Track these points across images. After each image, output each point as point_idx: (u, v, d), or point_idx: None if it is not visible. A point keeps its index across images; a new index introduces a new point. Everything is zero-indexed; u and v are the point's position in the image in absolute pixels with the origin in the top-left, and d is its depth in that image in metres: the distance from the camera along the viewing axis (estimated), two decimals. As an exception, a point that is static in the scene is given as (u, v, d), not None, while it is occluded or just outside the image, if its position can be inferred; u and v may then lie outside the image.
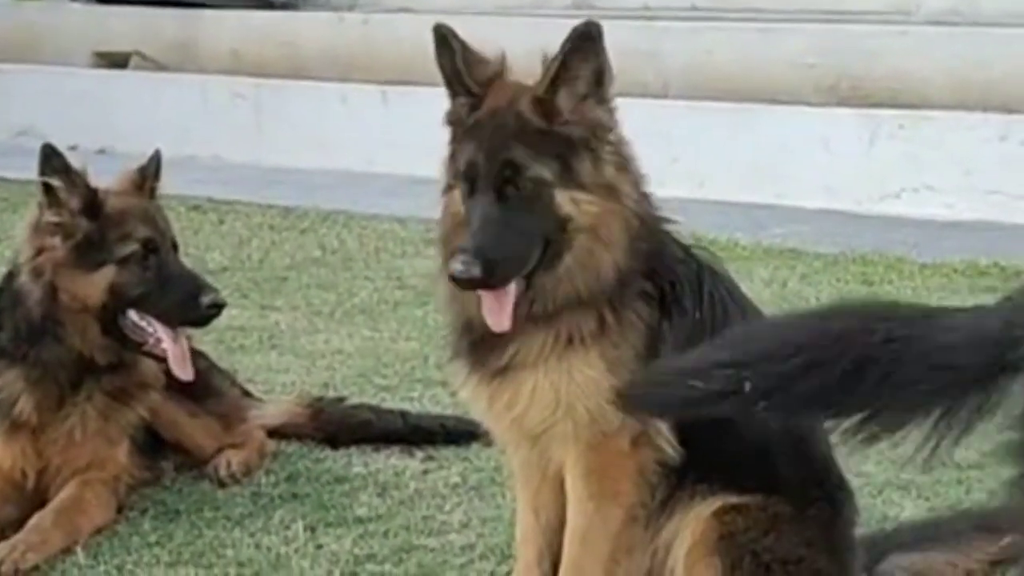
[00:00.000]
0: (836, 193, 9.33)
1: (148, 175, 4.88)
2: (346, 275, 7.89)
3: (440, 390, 5.91)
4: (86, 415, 4.67)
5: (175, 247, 4.82)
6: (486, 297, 3.63)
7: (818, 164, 9.48)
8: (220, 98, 11.84)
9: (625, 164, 3.71)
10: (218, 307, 4.70)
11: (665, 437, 3.74)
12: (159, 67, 12.59)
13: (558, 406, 3.73)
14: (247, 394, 5.37)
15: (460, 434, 5.28)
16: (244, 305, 7.32)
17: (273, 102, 11.65)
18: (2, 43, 13.44)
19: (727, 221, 8.72)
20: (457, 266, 3.55)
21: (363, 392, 5.90)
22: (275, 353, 6.52)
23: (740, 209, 9.24)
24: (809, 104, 9.96)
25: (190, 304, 4.67)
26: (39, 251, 4.66)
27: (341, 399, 5.56)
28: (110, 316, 4.64)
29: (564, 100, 3.63)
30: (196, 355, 5.19)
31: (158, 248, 4.70)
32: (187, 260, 7.84)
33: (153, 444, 4.90)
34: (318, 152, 11.10)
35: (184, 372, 4.68)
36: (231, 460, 4.97)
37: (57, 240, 4.65)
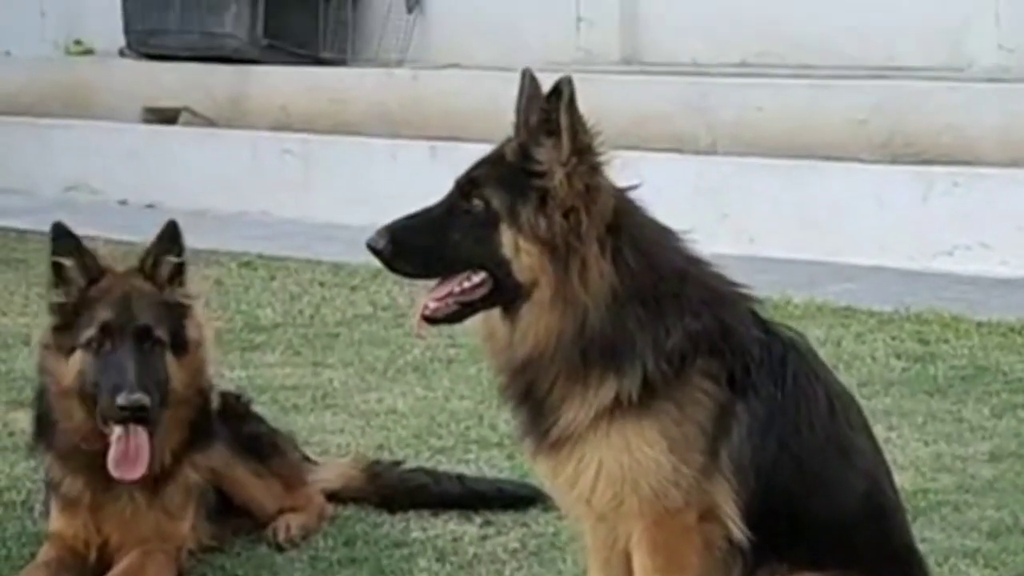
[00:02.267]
0: (889, 250, 9.28)
1: (149, 253, 4.66)
2: (397, 332, 7.86)
3: (496, 452, 5.89)
4: (135, 493, 4.60)
5: (144, 333, 4.51)
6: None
7: (871, 221, 9.43)
8: (269, 154, 11.87)
9: (577, 233, 3.63)
10: (130, 409, 4.39)
11: (730, 513, 3.71)
12: (208, 123, 12.63)
13: (622, 484, 3.71)
14: (306, 458, 5.35)
15: (519, 498, 5.25)
16: (297, 363, 7.31)
17: (322, 158, 11.67)
18: (53, 98, 13.52)
19: (779, 278, 8.66)
20: (371, 235, 3.71)
21: (418, 454, 5.87)
22: (329, 413, 6.49)
23: (792, 266, 9.19)
24: (861, 161, 9.92)
25: (108, 400, 4.43)
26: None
27: (398, 462, 5.53)
28: (91, 402, 4.51)
29: (538, 150, 3.63)
30: (257, 420, 5.20)
31: (113, 334, 4.50)
32: (239, 318, 8.07)
33: (219, 504, 4.86)
34: (367, 208, 11.04)
35: (123, 472, 4.46)
36: (291, 524, 4.95)
37: (48, 320, 4.62)
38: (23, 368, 7.09)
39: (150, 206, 11.91)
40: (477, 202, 3.66)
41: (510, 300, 3.66)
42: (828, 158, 10.02)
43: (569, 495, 3.79)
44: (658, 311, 3.67)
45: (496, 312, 3.71)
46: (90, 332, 4.51)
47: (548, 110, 3.62)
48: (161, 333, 4.55)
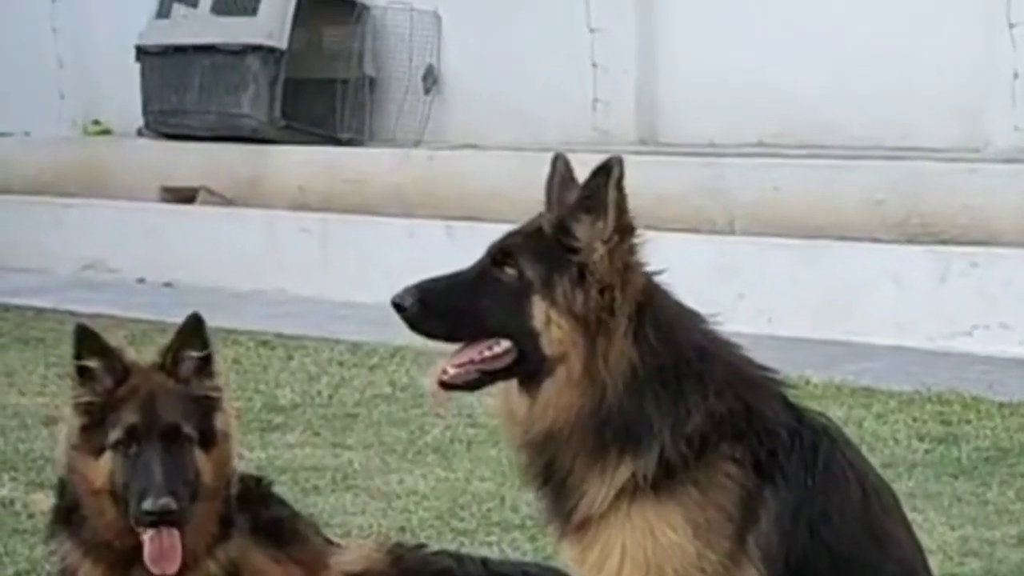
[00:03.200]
0: (908, 330, 9.27)
1: (170, 349, 4.58)
2: (417, 412, 7.85)
3: (519, 534, 5.86)
4: None
5: (172, 432, 4.46)
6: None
7: (889, 300, 9.43)
8: (287, 233, 11.91)
9: (611, 312, 3.62)
10: (158, 514, 4.34)
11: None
12: (226, 202, 12.68)
13: (647, 570, 3.66)
14: (328, 540, 5.30)
15: (543, 581, 5.20)
16: (316, 444, 7.30)
17: (339, 237, 11.70)
18: (71, 178, 13.59)
19: (797, 358, 8.62)
20: (397, 291, 3.69)
21: (440, 536, 5.84)
22: (350, 494, 6.47)
23: (810, 346, 9.18)
24: (878, 240, 9.93)
25: (136, 504, 4.38)
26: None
27: (421, 545, 5.46)
28: (122, 503, 4.47)
29: (577, 226, 3.62)
30: (278, 503, 5.15)
31: (140, 437, 4.45)
32: (258, 398, 8.06)
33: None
34: (384, 287, 11.03)
35: (161, 568, 4.41)
36: (314, 609, 4.90)
37: (76, 421, 4.56)
38: (42, 449, 7.09)
39: (167, 284, 11.94)
40: (510, 271, 3.63)
41: (531, 373, 3.63)
42: (845, 238, 10.02)
43: None
44: (678, 391, 3.64)
45: (514, 385, 3.68)
46: (117, 434, 4.48)
47: (593, 187, 3.62)
48: (189, 430, 4.52)
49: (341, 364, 9.02)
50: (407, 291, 3.69)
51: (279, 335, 9.79)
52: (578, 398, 3.62)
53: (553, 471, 3.71)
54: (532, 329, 3.61)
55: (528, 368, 3.63)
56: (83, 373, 4.55)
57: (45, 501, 6.21)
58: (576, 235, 3.63)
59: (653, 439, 3.62)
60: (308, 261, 11.66)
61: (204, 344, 4.60)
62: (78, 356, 4.55)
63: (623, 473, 3.64)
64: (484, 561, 5.32)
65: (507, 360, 3.64)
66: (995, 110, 10.68)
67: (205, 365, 4.60)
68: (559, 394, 3.63)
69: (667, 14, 12.10)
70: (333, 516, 6.07)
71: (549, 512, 3.78)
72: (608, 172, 3.61)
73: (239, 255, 11.83)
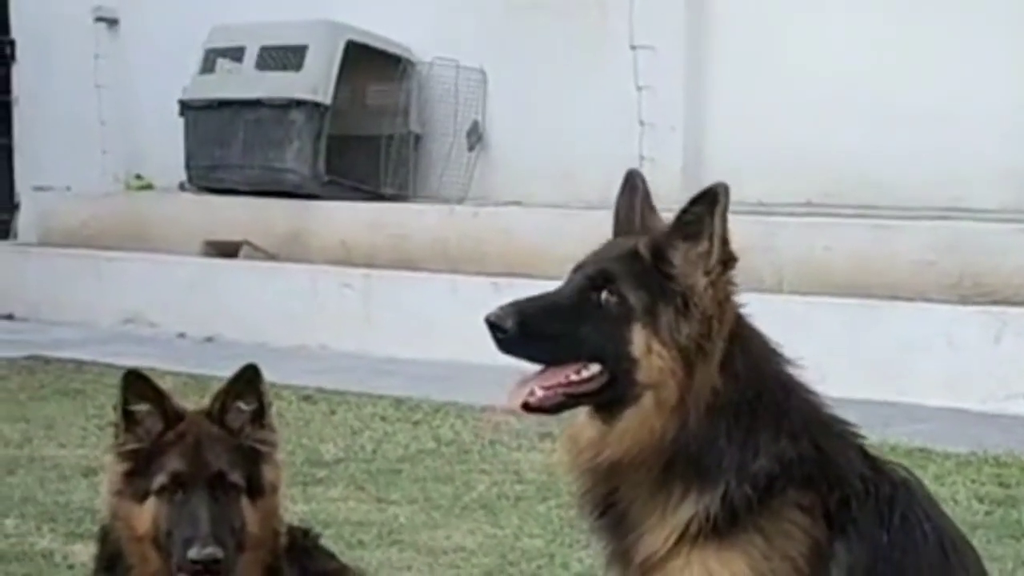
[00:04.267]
0: (961, 391, 9.10)
1: (218, 398, 4.47)
2: (462, 467, 7.72)
3: (570, 591, 5.72)
4: None
5: (218, 480, 4.35)
6: (522, 377, 3.56)
7: (942, 361, 9.26)
8: (329, 288, 11.82)
9: (711, 343, 3.52)
10: (203, 563, 4.22)
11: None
12: (269, 256, 12.60)
13: None
14: (376, 594, 5.18)
15: (595, 639, 5.05)
16: (360, 498, 7.16)
17: (382, 292, 11.60)
18: (114, 230, 13.55)
19: (850, 418, 8.45)
20: (496, 310, 3.51)
21: (490, 592, 5.70)
22: (395, 549, 6.33)
23: (862, 406, 8.86)
24: (930, 300, 9.77)
25: (181, 553, 4.27)
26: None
27: (471, 600, 5.36)
28: (167, 550, 4.34)
29: (675, 254, 3.53)
30: (326, 555, 5.03)
31: (186, 483, 4.34)
32: (300, 452, 7.93)
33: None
34: (427, 343, 11.01)
35: None
36: (361, 664, 4.76)
37: (120, 467, 4.44)
38: (81, 500, 7.01)
39: (209, 339, 11.86)
40: (610, 297, 3.51)
41: (616, 399, 3.52)
42: (896, 298, 9.88)
43: None
44: (752, 427, 3.51)
45: (583, 409, 3.57)
46: (163, 479, 4.36)
47: (696, 214, 3.52)
48: (236, 478, 4.40)
49: (384, 419, 8.90)
50: (505, 311, 3.51)
51: (321, 390, 9.68)
52: (660, 427, 3.50)
53: (613, 502, 3.57)
54: (630, 356, 3.49)
55: (615, 394, 3.51)
56: (129, 419, 4.44)
57: (85, 552, 6.12)
58: (674, 262, 3.52)
59: (720, 475, 3.49)
60: (351, 316, 11.57)
61: (258, 396, 4.49)
62: (125, 402, 4.44)
63: (685, 511, 3.50)
64: (536, 618, 5.19)
65: (595, 385, 3.51)
66: (1047, 171, 10.55)
67: (258, 416, 4.49)
68: (642, 422, 3.50)
69: (715, 72, 12.03)
70: (379, 571, 5.92)
71: (609, 553, 3.64)
72: (714, 200, 3.50)
73: (281, 310, 11.75)
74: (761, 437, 3.51)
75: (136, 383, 4.46)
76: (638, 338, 3.49)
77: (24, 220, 14.77)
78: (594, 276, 3.54)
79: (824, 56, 11.35)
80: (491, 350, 11.55)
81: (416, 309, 11.26)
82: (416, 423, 8.79)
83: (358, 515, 6.83)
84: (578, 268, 3.60)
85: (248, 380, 4.49)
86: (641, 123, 11.83)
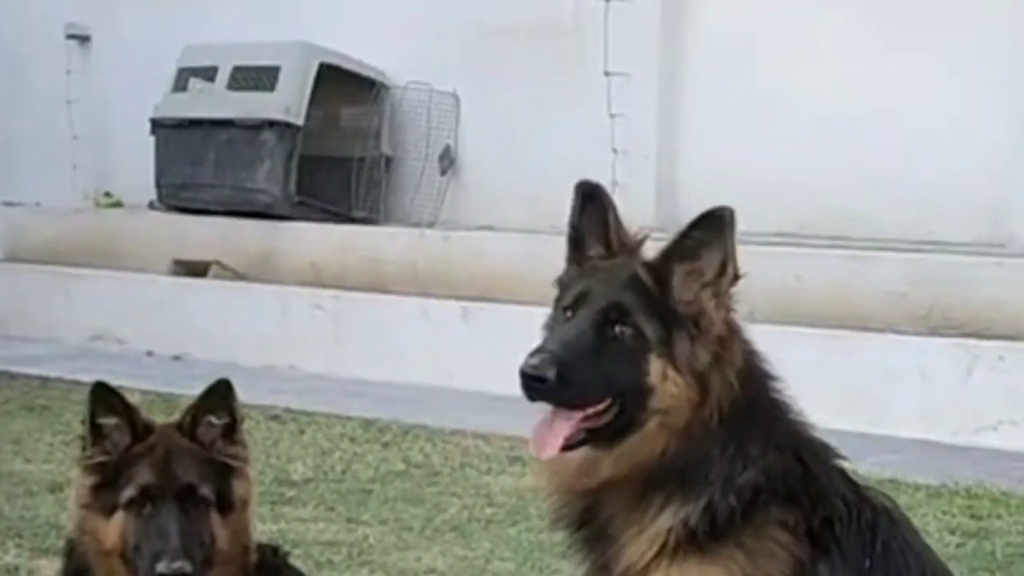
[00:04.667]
0: (932, 423, 9.10)
1: (189, 412, 4.39)
2: (432, 490, 7.68)
3: (542, 614, 5.67)
4: None
5: (187, 493, 4.28)
6: (543, 420, 3.48)
7: (913, 393, 9.26)
8: (299, 309, 11.76)
9: (725, 362, 3.53)
10: None
11: None
12: (238, 276, 12.54)
13: None
14: (348, 613, 5.12)
15: (568, 662, 5.00)
16: (330, 519, 7.11)
17: (352, 314, 11.55)
18: (83, 247, 13.46)
19: (821, 448, 8.46)
20: (533, 360, 3.42)
21: (461, 614, 5.66)
22: (366, 570, 6.28)
23: (833, 436, 8.88)
24: (901, 332, 9.77)
25: (149, 567, 4.18)
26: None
27: (443, 622, 5.30)
28: (134, 565, 4.27)
29: (678, 277, 3.53)
30: (296, 574, 4.98)
31: (154, 497, 4.26)
32: (269, 471, 7.87)
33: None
34: (397, 365, 10.96)
35: None
36: None
37: (88, 480, 4.37)
38: (47, 515, 6.95)
39: (177, 357, 11.79)
40: (625, 329, 3.49)
41: (622, 426, 3.48)
42: (867, 329, 9.87)
43: None
44: (742, 441, 3.50)
45: None
46: (131, 492, 4.29)
47: (699, 238, 3.53)
48: (206, 492, 4.34)
49: (353, 440, 8.84)
50: (543, 361, 3.42)
51: (289, 410, 9.62)
52: (662, 448, 3.48)
53: (592, 516, 3.54)
54: (646, 386, 3.47)
55: (623, 422, 3.48)
56: (97, 431, 4.38)
57: (50, 567, 6.06)
58: (677, 286, 3.52)
59: (706, 486, 3.47)
60: (320, 338, 11.51)
61: (229, 410, 4.44)
62: (93, 414, 4.39)
63: (664, 522, 3.47)
64: (508, 640, 5.14)
65: (609, 416, 3.49)
66: (1020, 205, 10.56)
67: (229, 431, 4.44)
68: (644, 444, 3.49)
69: (689, 100, 12.03)
70: (349, 591, 5.88)
71: (586, 566, 3.60)
72: (721, 223, 3.49)
73: (250, 330, 11.69)
74: (750, 450, 3.49)
75: (104, 396, 4.40)
76: (655, 368, 3.47)
77: (-8, 235, 14.67)
78: (608, 310, 3.51)
79: (799, 87, 11.36)
80: (460, 374, 11.53)
81: (386, 332, 11.21)
82: (386, 444, 8.74)
83: (328, 535, 6.77)
84: (581, 300, 3.54)
85: (220, 394, 4.44)
86: (614, 150, 11.82)
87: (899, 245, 10.63)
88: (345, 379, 10.92)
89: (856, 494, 3.61)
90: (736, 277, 3.56)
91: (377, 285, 11.82)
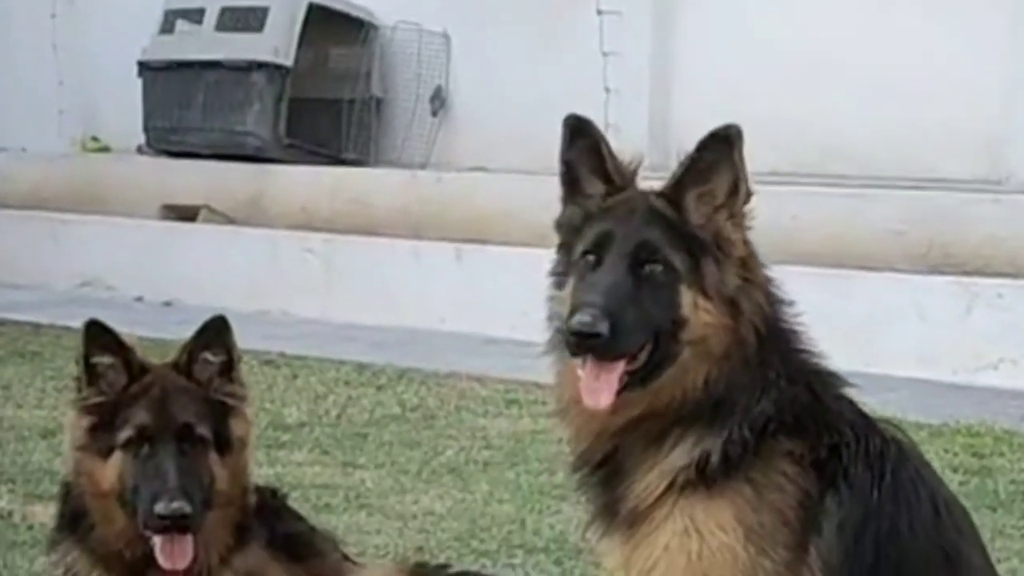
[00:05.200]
0: (931, 362, 9.01)
1: (185, 349, 4.33)
2: (429, 433, 7.60)
3: (543, 557, 5.61)
4: None
5: (185, 432, 4.21)
6: (589, 372, 3.38)
7: (912, 332, 9.17)
8: (290, 253, 11.66)
9: (751, 283, 3.46)
10: (170, 518, 4.07)
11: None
12: (228, 221, 12.42)
13: (693, 575, 3.39)
14: (347, 558, 5.03)
15: (572, 604, 4.94)
16: (326, 462, 7.04)
17: (343, 258, 11.45)
18: (69, 194, 13.33)
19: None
20: (584, 318, 3.32)
21: (461, 558, 5.57)
22: (364, 513, 6.20)
23: (831, 376, 8.91)
24: (899, 271, 9.69)
25: (148, 508, 4.11)
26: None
27: (444, 566, 5.21)
28: (132, 507, 4.20)
29: (692, 203, 3.45)
30: (294, 517, 4.90)
31: (152, 437, 4.19)
32: (264, 415, 7.78)
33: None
34: (389, 309, 10.86)
35: (169, 563, 4.14)
36: (332, 628, 4.63)
37: (84, 421, 4.29)
38: (40, 461, 6.90)
39: (167, 303, 11.68)
40: (655, 267, 3.40)
41: (659, 363, 3.40)
42: (865, 268, 9.78)
43: None
44: (759, 371, 3.42)
45: (578, 372, 3.43)
46: (128, 433, 4.21)
47: (710, 159, 3.44)
48: (203, 431, 4.25)
49: (348, 384, 8.76)
50: (594, 316, 3.32)
51: (283, 354, 9.52)
52: (701, 380, 3.41)
53: (609, 457, 3.45)
54: (680, 319, 3.39)
55: (657, 359, 3.40)
56: (92, 372, 4.29)
57: (44, 513, 5.98)
58: (693, 211, 3.44)
59: (729, 419, 3.39)
60: (311, 282, 11.41)
61: (226, 348, 4.34)
62: (88, 354, 4.29)
63: (677, 458, 3.40)
64: (511, 583, 5.07)
65: (645, 356, 3.40)
66: (1019, 142, 10.46)
67: (226, 369, 4.34)
68: (681, 378, 3.40)
69: (683, 38, 11.91)
70: (347, 535, 5.75)
71: (595, 504, 3.52)
72: (730, 142, 3.40)
73: (241, 275, 11.57)
74: (769, 377, 3.42)
75: (98, 334, 4.31)
76: (686, 299, 3.39)
77: (-22, 182, 14.52)
78: (638, 250, 3.42)
79: (795, 24, 11.24)
80: (454, 317, 11.45)
81: (378, 275, 11.11)
82: (380, 388, 8.66)
83: (324, 479, 6.70)
84: (604, 242, 3.43)
85: (216, 331, 4.35)
86: (607, 89, 11.69)
87: (896, 183, 10.53)
88: (337, 323, 10.83)
89: (865, 423, 3.54)
90: (749, 195, 3.47)
91: (369, 228, 11.70)
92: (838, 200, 10.38)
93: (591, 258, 3.44)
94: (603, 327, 3.31)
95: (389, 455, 7.16)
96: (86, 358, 4.28)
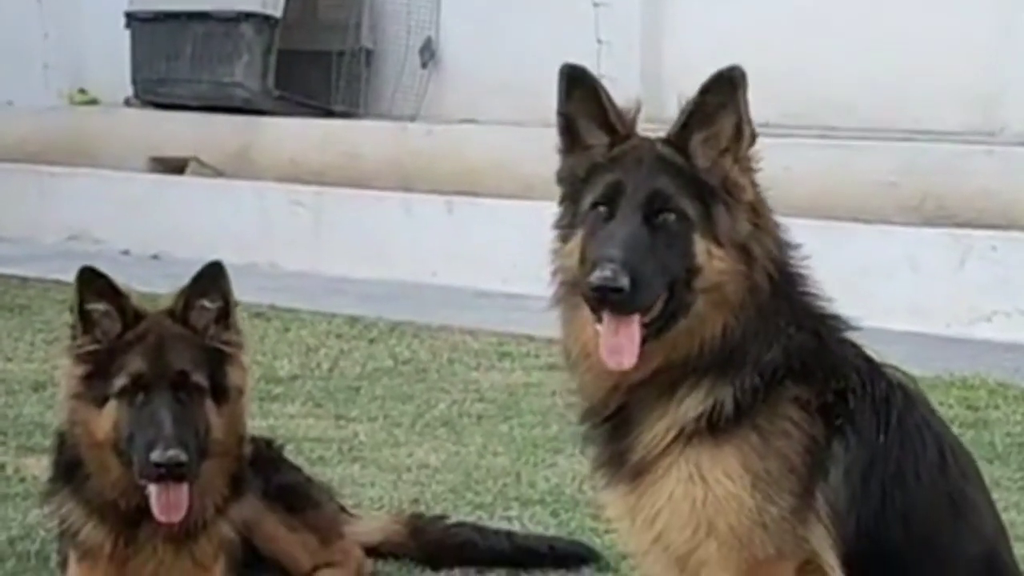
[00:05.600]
0: (925, 315, 8.98)
1: (181, 295, 4.30)
2: (421, 386, 7.56)
3: (539, 509, 5.58)
4: (162, 546, 4.25)
5: (181, 380, 4.17)
6: (607, 328, 3.33)
7: (905, 285, 9.14)
8: (278, 206, 11.59)
9: (761, 228, 3.44)
10: (166, 466, 4.03)
11: (833, 564, 3.37)
12: (216, 173, 12.34)
13: (698, 523, 3.39)
14: (343, 509, 5.01)
15: (570, 556, 4.93)
16: (319, 415, 7.01)
17: (333, 211, 11.38)
18: (56, 147, 13.24)
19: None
20: (605, 272, 3.27)
21: (456, 510, 5.54)
22: (357, 466, 6.17)
23: (824, 329, 8.87)
24: (892, 223, 9.64)
25: (143, 457, 4.07)
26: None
27: (441, 517, 5.19)
28: (127, 456, 4.16)
29: (698, 147, 3.42)
30: (292, 468, 4.88)
31: (148, 385, 4.15)
32: (256, 368, 7.72)
33: (248, 557, 4.51)
34: (379, 262, 10.81)
35: (164, 515, 4.11)
36: (329, 580, 4.60)
37: (78, 370, 4.25)
38: (31, 414, 6.87)
39: (155, 256, 11.61)
40: (668, 216, 3.37)
41: (672, 313, 3.37)
42: (858, 220, 9.74)
43: (646, 538, 3.46)
44: (769, 318, 3.40)
45: (591, 326, 3.40)
46: (123, 381, 4.16)
47: (715, 103, 3.42)
48: (199, 379, 4.20)
49: (339, 337, 8.72)
50: (613, 270, 3.28)
51: (273, 307, 9.47)
52: (720, 326, 3.38)
53: (621, 408, 3.41)
54: (694, 267, 3.36)
55: (671, 309, 3.36)
56: (86, 319, 4.24)
57: (36, 466, 5.95)
58: (699, 156, 3.40)
59: (740, 367, 3.37)
60: (300, 235, 11.35)
61: (222, 294, 4.30)
62: (82, 300, 4.24)
63: (688, 407, 3.38)
64: (508, 534, 5.06)
65: (660, 306, 3.36)
66: (1012, 94, 10.40)
67: (223, 315, 4.30)
68: (699, 327, 3.37)
69: (674, -11, 11.83)
70: (342, 488, 5.72)
71: (600, 455, 3.49)
72: (733, 84, 3.35)
73: (229, 228, 11.49)
74: (779, 323, 3.41)
75: (92, 281, 4.27)
76: (699, 248, 3.36)
77: (-35, 136, 14.41)
78: (651, 200, 3.38)
79: (787, -27, 11.17)
80: (445, 270, 11.37)
81: (368, 228, 11.05)
82: (372, 341, 8.62)
83: (317, 431, 6.67)
84: (615, 193, 3.39)
85: (212, 277, 4.31)
86: (598, 41, 11.60)
87: (889, 135, 10.47)
88: (327, 276, 10.78)
89: (870, 367, 3.52)
90: (753, 138, 3.44)
91: (358, 180, 11.63)
92: (831, 151, 10.33)
93: (602, 210, 3.40)
94: (624, 281, 3.27)
95: (382, 408, 7.12)
96: (80, 305, 4.24)
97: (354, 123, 12.40)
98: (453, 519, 5.19)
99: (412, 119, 12.33)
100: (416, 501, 5.65)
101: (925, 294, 9.07)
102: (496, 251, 10.14)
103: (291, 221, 11.45)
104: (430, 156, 11.56)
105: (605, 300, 3.29)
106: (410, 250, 10.83)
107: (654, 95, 11.78)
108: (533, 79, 12.00)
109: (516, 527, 5.30)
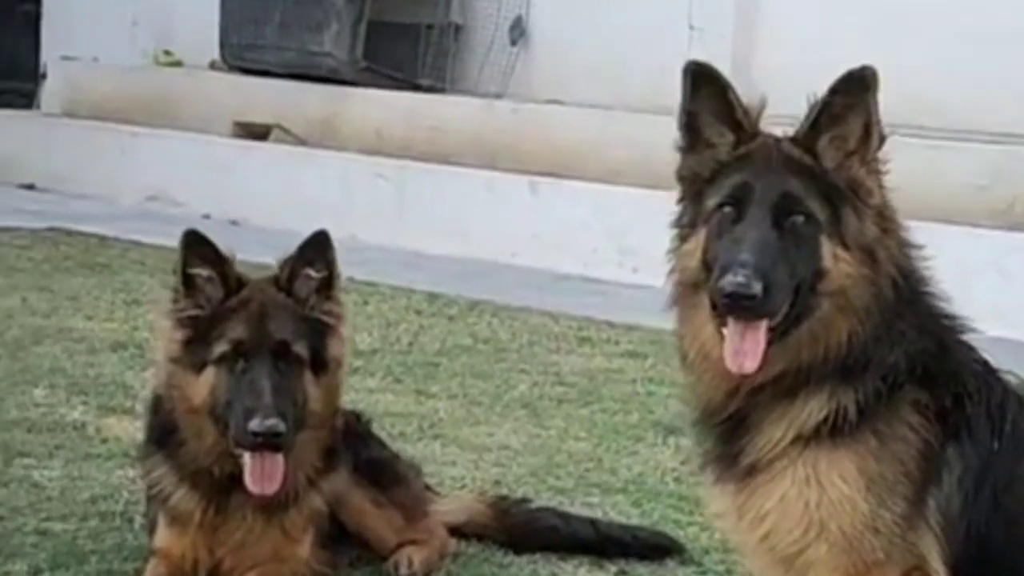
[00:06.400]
0: (1011, 321, 8.84)
1: (287, 264, 4.27)
2: (501, 366, 7.51)
3: (621, 497, 5.52)
4: (253, 515, 4.24)
5: (282, 350, 4.14)
6: (733, 333, 3.29)
7: (992, 290, 9.01)
8: (361, 178, 11.56)
9: (888, 233, 3.40)
10: (263, 435, 4.01)
11: (941, 572, 3.32)
12: (300, 142, 12.33)
13: (809, 524, 3.35)
14: (428, 487, 4.97)
15: (654, 548, 4.87)
16: (398, 390, 6.98)
17: (416, 185, 11.35)
18: (140, 107, 13.27)
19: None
20: (737, 278, 3.22)
21: (537, 493, 5.48)
22: (438, 444, 6.13)
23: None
24: (980, 226, 9.52)
25: (241, 425, 4.05)
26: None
27: (525, 500, 5.14)
28: (223, 423, 4.14)
29: (825, 148, 3.37)
30: (379, 443, 4.85)
31: (248, 352, 4.13)
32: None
33: (334, 532, 4.48)
34: (461, 239, 10.76)
35: (258, 487, 4.10)
36: (413, 558, 4.57)
37: (179, 334, 4.23)
38: (112, 374, 6.87)
39: (234, 222, 11.60)
40: (798, 218, 3.32)
41: (796, 316, 3.32)
42: (945, 222, 9.60)
43: (753, 537, 3.42)
44: (892, 322, 3.36)
45: (710, 328, 3.36)
46: (223, 348, 4.14)
47: (844, 104, 3.37)
48: (300, 349, 4.19)
49: (419, 312, 8.69)
50: (747, 276, 3.23)
51: (352, 280, 9.41)
52: (847, 330, 3.33)
53: (739, 408, 3.36)
54: (821, 270, 3.31)
55: (795, 312, 3.32)
56: (189, 283, 4.23)
57: (117, 426, 5.97)
58: (828, 158, 3.36)
59: (864, 372, 3.33)
60: (382, 208, 11.32)
61: (327, 264, 4.28)
62: (186, 264, 4.22)
63: (811, 410, 3.33)
64: (592, 522, 5.01)
65: (785, 309, 3.31)
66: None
67: (325, 286, 4.28)
68: (823, 331, 3.32)
69: (770, -21, 11.72)
70: (424, 465, 5.68)
71: (711, 452, 3.45)
72: (864, 85, 3.29)
73: (310, 197, 11.48)
74: (903, 327, 3.37)
75: (197, 245, 4.25)
76: (826, 250, 3.31)
77: (49, 90, 14.46)
78: (781, 202, 3.33)
79: (885, -31, 11.05)
80: (526, 251, 11.29)
81: (450, 204, 11.00)
82: (451, 318, 8.58)
83: (398, 407, 6.64)
84: (744, 195, 3.34)
85: (319, 246, 4.30)
86: (691, 27, 11.52)
87: (979, 137, 10.34)
88: (407, 251, 10.74)
89: (987, 372, 3.47)
90: (882, 140, 3.38)
91: (442, 156, 11.59)
92: (919, 152, 10.16)
93: (729, 211, 3.34)
94: (758, 288, 3.23)
95: (462, 386, 7.08)
96: (184, 268, 4.23)
97: (440, 98, 12.36)
98: (536, 503, 5.14)
99: (498, 97, 12.28)
100: (498, 483, 5.60)
101: (1012, 299, 8.95)
102: (578, 235, 10.08)
103: (373, 194, 11.42)
104: (515, 135, 11.49)
105: (736, 307, 3.24)
106: (491, 229, 10.77)
107: (744, 86, 11.71)
108: (623, 63, 11.97)
109: (598, 515, 5.25)
